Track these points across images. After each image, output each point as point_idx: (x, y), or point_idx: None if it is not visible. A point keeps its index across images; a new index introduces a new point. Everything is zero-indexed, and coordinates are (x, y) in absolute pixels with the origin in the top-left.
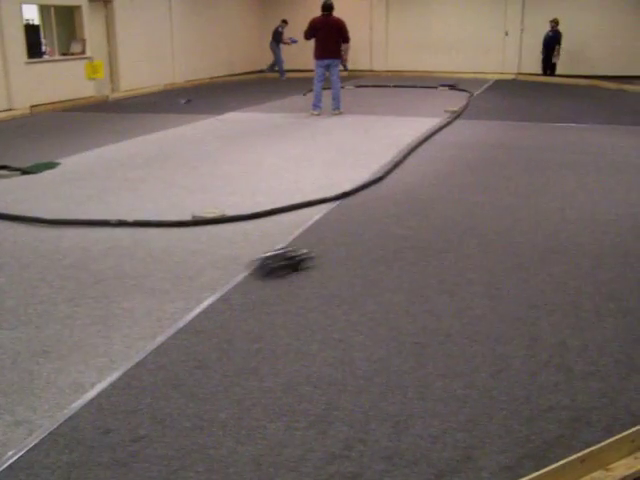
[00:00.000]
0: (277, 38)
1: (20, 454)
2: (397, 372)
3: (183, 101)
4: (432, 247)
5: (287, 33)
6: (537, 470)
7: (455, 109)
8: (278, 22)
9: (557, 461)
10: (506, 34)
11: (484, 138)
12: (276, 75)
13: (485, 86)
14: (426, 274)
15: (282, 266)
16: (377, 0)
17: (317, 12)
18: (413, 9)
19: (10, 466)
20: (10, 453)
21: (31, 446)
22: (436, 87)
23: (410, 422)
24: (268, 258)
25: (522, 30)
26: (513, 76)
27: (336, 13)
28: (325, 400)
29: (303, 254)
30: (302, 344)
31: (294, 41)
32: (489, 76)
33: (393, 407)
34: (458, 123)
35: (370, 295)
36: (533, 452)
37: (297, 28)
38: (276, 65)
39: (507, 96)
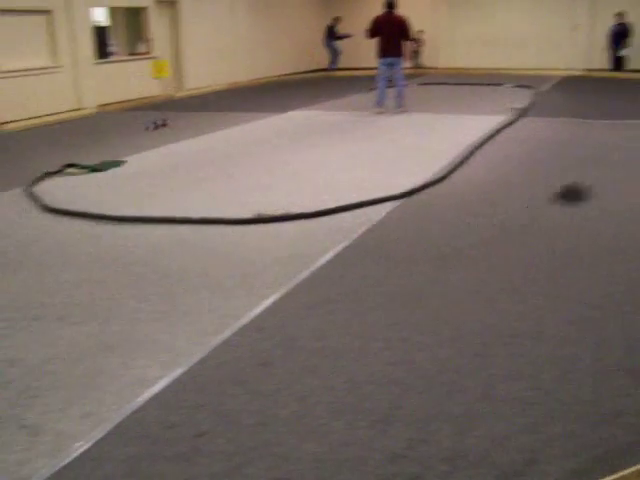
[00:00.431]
0: (330, 34)
1: (87, 446)
2: (461, 372)
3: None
4: (497, 246)
5: (341, 30)
6: (603, 477)
7: (520, 106)
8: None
9: (625, 468)
10: (574, 29)
11: (550, 135)
12: (340, 74)
13: (552, 83)
14: (491, 273)
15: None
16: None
17: (379, 10)
18: (477, 4)
19: (78, 457)
20: (78, 444)
21: (98, 438)
22: (501, 84)
23: (473, 423)
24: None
25: (576, 27)
26: (581, 72)
27: (400, 10)
28: (388, 399)
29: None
30: (365, 343)
31: (347, 36)
32: (556, 72)
33: (456, 408)
34: (523, 121)
35: (434, 294)
36: (600, 458)
37: (356, 27)
38: (332, 60)
39: (574, 93)
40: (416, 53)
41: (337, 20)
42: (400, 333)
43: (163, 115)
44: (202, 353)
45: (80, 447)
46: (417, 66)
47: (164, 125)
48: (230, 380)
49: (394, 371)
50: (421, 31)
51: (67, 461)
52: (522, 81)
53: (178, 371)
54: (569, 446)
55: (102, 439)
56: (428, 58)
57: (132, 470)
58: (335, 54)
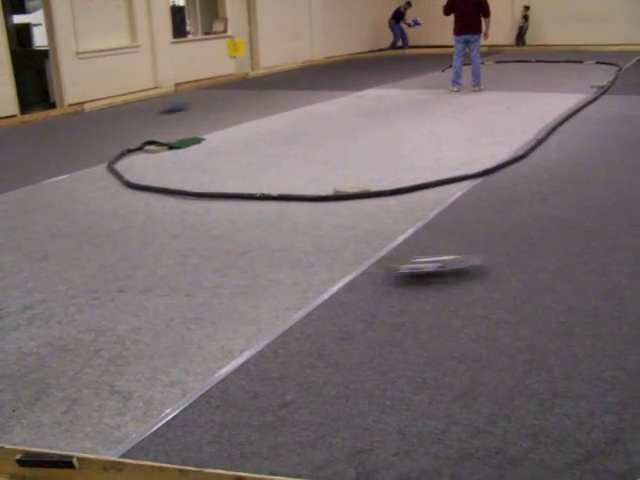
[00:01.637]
0: (397, 18)
1: (176, 412)
2: (542, 351)
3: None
4: (577, 226)
5: (410, 15)
6: None
7: (602, 84)
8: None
9: None
10: None
11: (633, 114)
12: (415, 52)
13: (636, 59)
14: (571, 253)
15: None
16: None
17: None
18: None
19: (167, 423)
20: (167, 411)
21: (186, 406)
22: (582, 61)
23: (556, 401)
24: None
25: None
26: None
27: None
28: (469, 375)
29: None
30: (445, 319)
31: (417, 23)
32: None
33: (538, 385)
34: (605, 99)
35: (513, 273)
36: None
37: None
38: (394, 42)
39: None
40: (522, 30)
41: (408, 4)
42: (480, 310)
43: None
44: (285, 326)
45: (169, 414)
46: (523, 44)
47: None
48: (313, 353)
49: (475, 348)
50: (527, 7)
51: (157, 426)
52: (605, 58)
53: (262, 343)
54: None
55: (189, 407)
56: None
57: (219, 437)
58: (398, 38)
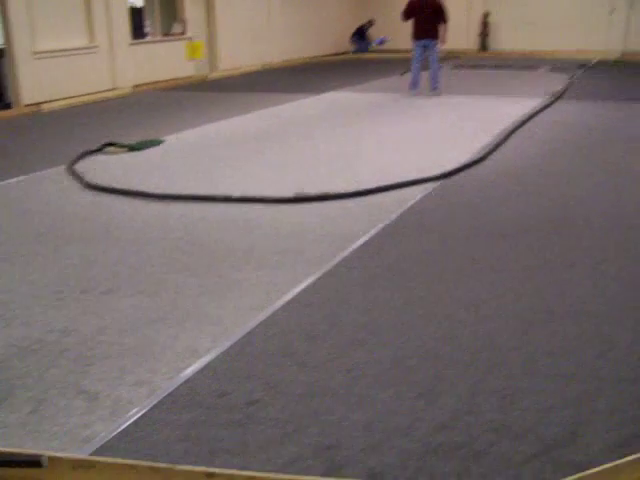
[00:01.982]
0: (360, 35)
1: (143, 411)
2: (503, 348)
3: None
4: (536, 228)
5: (373, 33)
6: None
7: (556, 90)
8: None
9: None
10: (612, 11)
11: (586, 120)
12: (374, 56)
13: (588, 66)
14: (530, 254)
15: None
16: None
17: None
18: None
19: (135, 422)
20: (134, 410)
21: (153, 404)
22: (537, 67)
23: (517, 397)
24: None
25: (614, 10)
26: (618, 55)
27: None
28: (432, 373)
29: None
30: (408, 318)
31: (382, 42)
32: (592, 55)
33: (499, 382)
34: (559, 104)
35: (474, 273)
36: None
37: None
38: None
39: (611, 76)
40: (484, 36)
41: (370, 23)
42: (442, 310)
43: (196, 95)
44: (250, 326)
45: (137, 413)
46: (484, 49)
47: None
48: (278, 352)
49: (438, 346)
50: (487, 13)
51: (125, 425)
52: (559, 64)
53: (227, 343)
54: (611, 421)
55: (157, 405)
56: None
57: (187, 435)
58: (359, 51)
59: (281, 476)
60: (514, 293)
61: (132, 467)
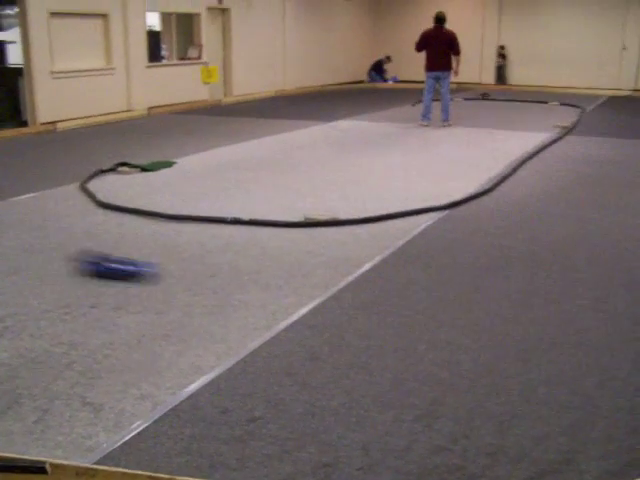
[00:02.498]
0: (377, 70)
1: (146, 425)
2: (502, 375)
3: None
4: (539, 259)
5: (390, 68)
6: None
7: (566, 124)
8: (382, 55)
9: None
10: (623, 49)
11: (595, 154)
12: (387, 86)
13: (598, 102)
14: (532, 285)
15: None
16: (490, 13)
17: (429, 23)
18: (527, 22)
19: (138, 434)
20: (138, 422)
21: (156, 418)
22: (547, 102)
23: (514, 422)
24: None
25: (625, 47)
26: (629, 92)
27: (448, 24)
28: (431, 397)
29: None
30: (410, 343)
31: (396, 81)
32: (603, 92)
33: (497, 407)
34: (568, 139)
35: (477, 302)
36: (637, 461)
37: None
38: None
39: (621, 113)
40: (500, 69)
41: (388, 59)
42: (444, 336)
43: (210, 119)
44: (253, 346)
45: (139, 425)
46: (502, 82)
47: None
48: (281, 372)
49: (438, 371)
50: (502, 46)
51: (128, 437)
52: (569, 99)
53: (231, 361)
54: (606, 449)
55: (160, 419)
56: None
57: (189, 449)
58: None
59: None
60: (515, 322)
61: (133, 477)
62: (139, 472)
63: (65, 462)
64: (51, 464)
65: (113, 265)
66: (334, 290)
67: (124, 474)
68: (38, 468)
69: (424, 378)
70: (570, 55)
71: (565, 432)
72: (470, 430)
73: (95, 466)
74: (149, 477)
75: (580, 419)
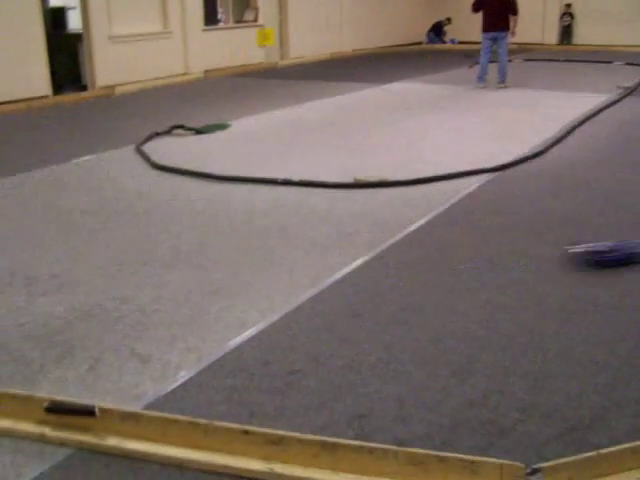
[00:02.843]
0: (437, 31)
1: (190, 375)
2: (540, 334)
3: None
4: (587, 221)
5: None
6: None
7: (628, 85)
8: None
9: None
10: None
11: None
12: (444, 47)
13: None
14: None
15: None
16: None
17: None
18: None
19: (183, 384)
20: (182, 374)
21: (200, 369)
22: (611, 62)
23: (548, 381)
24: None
25: None
26: None
27: None
28: (468, 353)
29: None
30: (450, 302)
31: (454, 42)
32: None
33: (533, 365)
34: (629, 100)
35: (520, 262)
36: None
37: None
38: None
39: None
40: (567, 28)
41: (448, 21)
42: (484, 295)
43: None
44: (297, 302)
45: (184, 376)
46: (567, 42)
47: None
48: (322, 328)
49: (476, 329)
50: (569, 4)
51: (173, 386)
52: (634, 59)
53: (274, 317)
54: (638, 408)
55: (204, 370)
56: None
57: (230, 398)
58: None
59: (310, 437)
60: (557, 282)
61: (174, 421)
62: (180, 417)
63: (112, 406)
64: (99, 408)
65: (617, 254)
66: (378, 250)
67: (166, 419)
68: (88, 411)
69: (462, 336)
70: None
71: (599, 390)
72: (504, 386)
73: (140, 411)
74: (189, 422)
75: (615, 379)
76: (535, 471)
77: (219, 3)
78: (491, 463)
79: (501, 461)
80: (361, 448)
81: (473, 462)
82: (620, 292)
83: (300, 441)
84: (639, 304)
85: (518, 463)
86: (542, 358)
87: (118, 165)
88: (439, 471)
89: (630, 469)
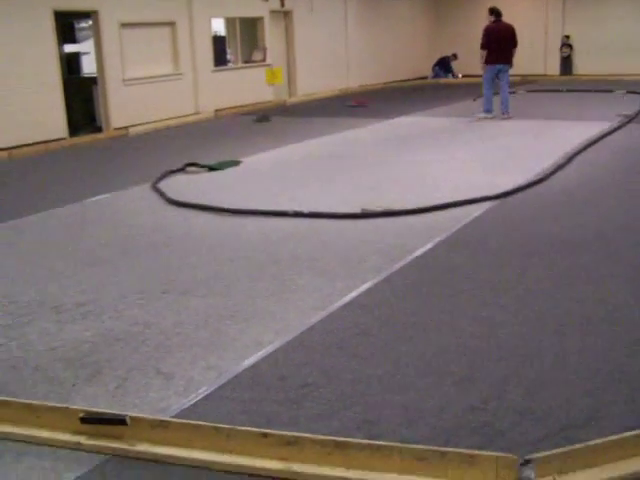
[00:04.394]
0: (443, 66)
1: (211, 390)
2: (537, 347)
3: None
4: (585, 244)
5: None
6: None
7: (628, 113)
8: (449, 52)
9: None
10: None
11: None
12: (446, 81)
13: None
14: (576, 267)
15: None
16: (553, 1)
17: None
18: (590, 11)
19: (205, 397)
20: (203, 389)
21: (219, 385)
22: (612, 91)
23: (543, 387)
24: None
25: None
26: None
27: (511, 16)
28: (469, 365)
29: None
30: (453, 320)
31: (455, 76)
32: None
33: (529, 374)
34: (630, 127)
35: (520, 282)
36: None
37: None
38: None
39: None
40: (567, 60)
41: (454, 57)
42: (485, 313)
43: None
44: (309, 323)
45: (205, 390)
46: (568, 73)
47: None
48: (333, 345)
49: (477, 343)
50: (568, 36)
51: (195, 400)
52: (635, 87)
53: (288, 336)
54: (628, 409)
55: (223, 385)
56: (534, 66)
57: (247, 409)
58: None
59: (325, 438)
60: (555, 300)
61: (199, 427)
62: (205, 423)
63: (142, 415)
64: (130, 417)
65: None
66: (385, 274)
67: (192, 425)
68: (119, 420)
69: (464, 349)
70: (636, 42)
71: (591, 394)
72: (502, 393)
73: (168, 419)
74: (212, 427)
75: (606, 383)
76: (527, 462)
77: (228, 44)
78: (487, 456)
79: (497, 454)
80: (369, 446)
81: (471, 455)
82: (613, 307)
83: (314, 441)
84: (631, 318)
85: (512, 455)
86: (538, 367)
87: (135, 202)
88: (440, 465)
89: (617, 460)
